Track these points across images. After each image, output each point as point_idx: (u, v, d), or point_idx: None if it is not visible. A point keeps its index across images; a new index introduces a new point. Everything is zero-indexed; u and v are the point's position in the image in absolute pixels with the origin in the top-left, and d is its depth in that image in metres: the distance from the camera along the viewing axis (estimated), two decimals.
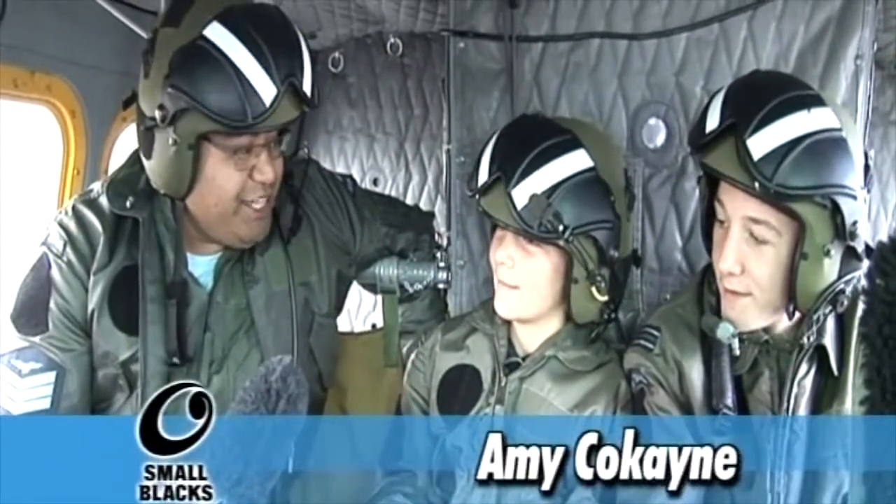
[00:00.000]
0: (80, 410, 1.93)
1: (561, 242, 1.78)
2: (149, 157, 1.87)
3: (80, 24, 2.40)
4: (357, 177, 3.32)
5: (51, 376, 1.89)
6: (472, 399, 1.92)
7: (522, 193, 1.78)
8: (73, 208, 1.98)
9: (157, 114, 1.78)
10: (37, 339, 1.90)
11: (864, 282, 1.02)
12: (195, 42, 1.75)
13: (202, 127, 1.77)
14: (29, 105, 2.40)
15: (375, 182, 3.34)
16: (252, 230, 1.94)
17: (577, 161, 1.80)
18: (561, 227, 1.77)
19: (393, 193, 3.31)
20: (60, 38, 2.37)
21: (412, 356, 2.08)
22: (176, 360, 1.90)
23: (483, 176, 1.85)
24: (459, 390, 1.94)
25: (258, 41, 1.76)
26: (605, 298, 1.85)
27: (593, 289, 1.83)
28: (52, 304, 1.91)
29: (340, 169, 3.36)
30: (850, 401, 1.72)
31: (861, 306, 1.14)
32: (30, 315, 1.91)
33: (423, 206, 3.24)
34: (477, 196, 1.87)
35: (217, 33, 1.75)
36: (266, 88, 1.75)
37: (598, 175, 1.81)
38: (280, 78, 1.76)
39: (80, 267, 1.92)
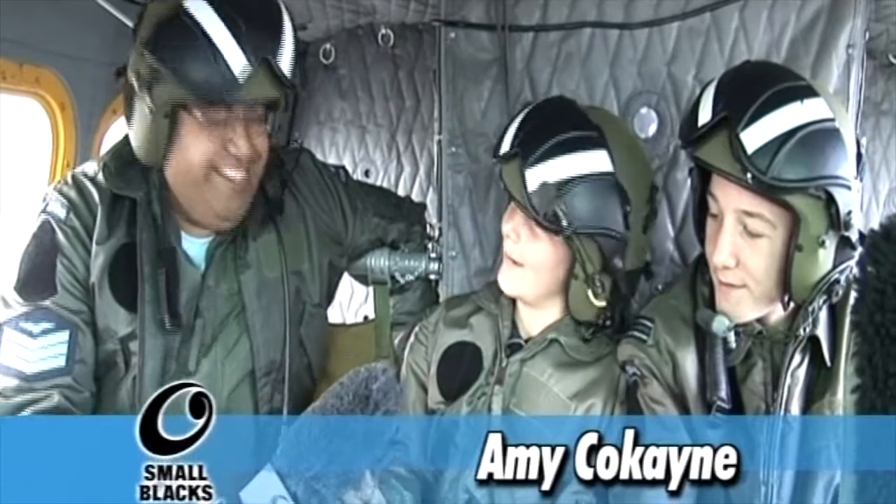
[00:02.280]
0: (90, 376, 1.92)
1: (562, 237, 1.78)
2: (130, 123, 1.90)
3: (69, 15, 2.37)
4: (349, 168, 3.30)
5: (64, 335, 1.88)
6: (472, 377, 1.93)
7: (535, 177, 1.77)
8: (73, 177, 1.99)
9: (134, 80, 1.81)
10: (46, 302, 1.89)
11: (855, 270, 1.01)
12: (174, 12, 1.78)
13: (176, 96, 1.78)
14: (18, 98, 2.38)
15: (367, 173, 3.33)
16: (227, 205, 1.92)
17: (596, 161, 1.79)
18: (564, 223, 1.76)
19: (384, 185, 3.29)
20: (49, 30, 2.34)
21: (416, 330, 2.08)
22: (167, 324, 1.89)
23: (505, 146, 1.85)
24: (460, 367, 1.95)
25: (234, 15, 1.78)
26: (601, 304, 1.85)
27: (589, 292, 1.83)
28: (59, 267, 1.91)
29: (332, 160, 3.34)
30: (842, 391, 1.72)
31: (853, 295, 1.13)
32: (37, 281, 1.90)
33: (415, 197, 3.23)
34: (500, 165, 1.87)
35: (195, 5, 1.78)
36: (237, 60, 1.76)
37: (615, 181, 1.80)
38: (253, 52, 1.77)
39: (83, 233, 1.93)
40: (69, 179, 1.99)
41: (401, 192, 3.27)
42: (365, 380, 1.46)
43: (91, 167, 2.02)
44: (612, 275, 1.84)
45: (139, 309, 1.88)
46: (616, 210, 1.80)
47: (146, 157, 1.89)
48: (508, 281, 1.90)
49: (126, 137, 1.97)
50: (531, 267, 1.86)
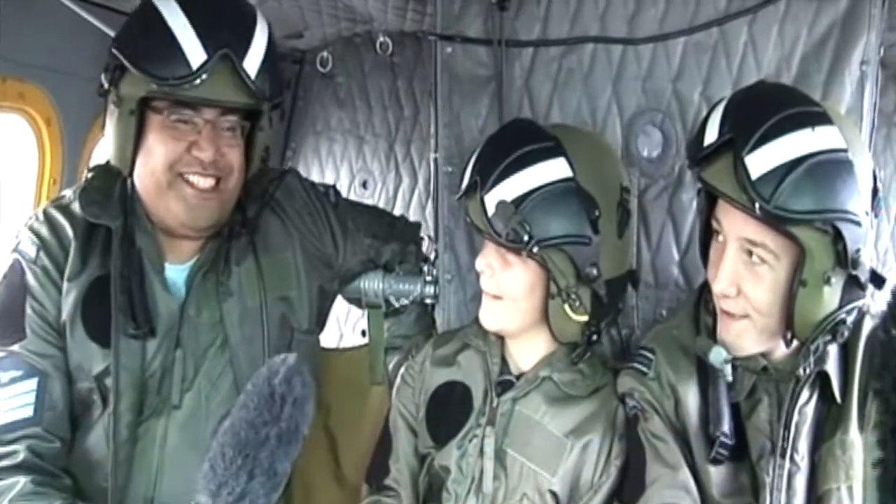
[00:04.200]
0: (63, 421, 1.86)
1: (526, 253, 1.72)
2: (104, 128, 1.89)
3: (54, 29, 2.30)
4: (346, 179, 3.27)
5: (32, 383, 1.83)
6: (462, 418, 1.86)
7: (493, 200, 1.73)
8: (45, 213, 1.94)
9: (104, 76, 1.82)
10: (15, 347, 1.84)
11: (880, 333, 0.94)
12: (141, 6, 1.80)
13: (139, 90, 1.78)
14: (1, 114, 2.32)
15: (364, 185, 3.27)
16: (191, 212, 1.87)
17: (553, 170, 1.73)
18: (526, 238, 1.70)
19: (383, 196, 3.24)
20: (33, 44, 2.28)
21: (402, 370, 2.03)
22: (132, 329, 1.83)
23: (465, 180, 1.81)
24: (449, 408, 1.89)
25: (200, 10, 1.78)
26: (582, 319, 1.78)
27: (566, 307, 1.76)
28: (28, 311, 1.85)
29: (329, 171, 3.30)
30: (854, 430, 1.63)
31: (864, 334, 1.04)
32: (6, 324, 1.86)
33: (414, 208, 3.19)
34: (464, 201, 1.83)
35: (163, 1, 1.78)
36: (194, 52, 1.75)
37: (577, 186, 1.73)
38: (213, 46, 1.76)
39: (55, 272, 1.87)
40: (41, 215, 1.94)
41: (399, 203, 3.22)
42: (266, 378, 1.40)
43: (68, 194, 1.97)
44: (589, 285, 1.76)
45: (113, 340, 1.82)
46: (581, 216, 1.73)
47: (116, 159, 1.88)
48: (490, 316, 1.84)
49: (107, 163, 1.92)
50: (509, 297, 1.80)
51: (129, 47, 1.78)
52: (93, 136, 2.51)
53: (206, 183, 1.85)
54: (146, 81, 1.75)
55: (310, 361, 2.06)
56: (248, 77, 1.79)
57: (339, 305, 2.31)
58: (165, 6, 1.77)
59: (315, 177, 3.30)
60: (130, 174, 1.88)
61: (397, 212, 3.18)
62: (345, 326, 3.17)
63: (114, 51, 1.79)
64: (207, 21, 1.77)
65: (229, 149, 1.87)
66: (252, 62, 1.80)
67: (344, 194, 3.16)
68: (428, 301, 2.24)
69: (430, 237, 2.35)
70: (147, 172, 1.85)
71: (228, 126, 1.86)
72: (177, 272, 1.93)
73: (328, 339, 2.91)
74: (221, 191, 1.88)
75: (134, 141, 1.83)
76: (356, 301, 2.25)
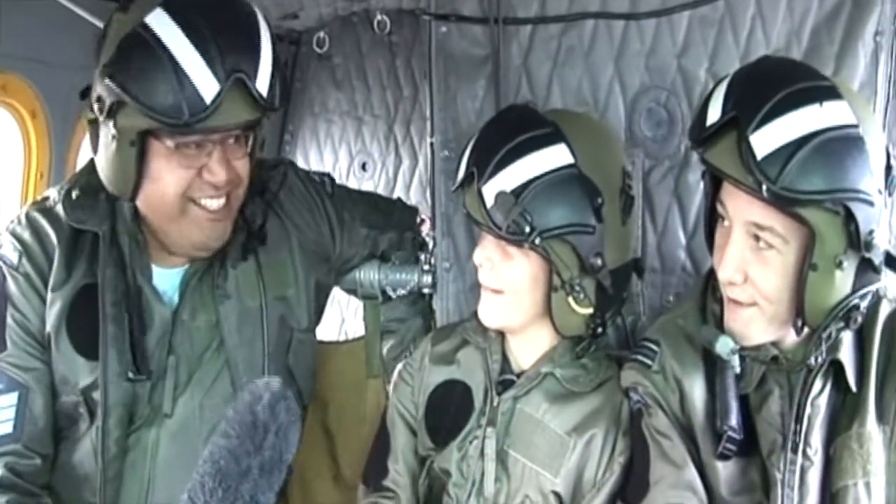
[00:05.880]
0: (45, 436, 1.82)
1: (528, 245, 1.65)
2: (95, 151, 1.78)
3: (36, 17, 2.23)
4: (345, 162, 3.21)
5: (12, 398, 1.78)
6: (463, 418, 1.80)
7: (491, 191, 1.66)
8: (27, 216, 1.87)
9: (95, 106, 1.69)
10: None
11: None
12: (135, 30, 1.63)
13: (140, 124, 1.65)
14: None
15: (364, 167, 3.20)
16: (205, 234, 1.81)
17: (553, 157, 1.66)
18: (527, 229, 1.63)
19: (383, 178, 3.17)
20: (15, 34, 2.20)
21: (399, 367, 1.97)
22: (130, 374, 1.78)
23: (461, 171, 1.74)
24: (449, 408, 1.83)
25: (203, 30, 1.63)
26: (586, 311, 1.71)
27: (570, 299, 1.69)
28: (9, 321, 1.80)
29: (327, 154, 3.23)
30: (872, 421, 1.58)
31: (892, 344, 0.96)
32: None
33: (415, 190, 3.13)
34: (460, 193, 1.77)
35: (159, 21, 1.63)
36: (207, 83, 1.61)
37: (579, 173, 1.66)
38: (225, 72, 1.62)
39: (38, 280, 1.82)
40: (23, 218, 1.87)
41: (399, 185, 3.15)
42: (248, 405, 1.35)
43: (53, 195, 1.89)
44: (594, 276, 1.69)
45: (101, 353, 1.76)
46: (584, 203, 1.67)
47: (114, 188, 1.77)
48: (490, 313, 1.77)
49: (92, 163, 1.83)
50: (511, 291, 1.73)
51: (129, 82, 1.61)
52: (81, 127, 2.44)
53: (218, 204, 1.77)
54: (151, 117, 1.61)
55: (309, 360, 2.04)
56: (262, 96, 1.67)
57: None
58: (165, 31, 1.61)
59: (314, 160, 3.24)
60: (133, 199, 1.77)
61: (398, 194, 3.12)
62: (346, 311, 3.11)
63: (109, 83, 1.62)
64: (214, 42, 1.61)
65: (238, 161, 1.77)
66: (263, 78, 1.68)
67: (343, 177, 3.16)
68: (426, 291, 2.18)
69: (430, 218, 2.28)
70: (157, 199, 1.75)
71: (234, 137, 1.76)
72: (169, 277, 1.87)
73: (330, 324, 2.88)
74: (232, 204, 1.81)
75: (136, 169, 1.70)
76: (353, 292, 2.20)
